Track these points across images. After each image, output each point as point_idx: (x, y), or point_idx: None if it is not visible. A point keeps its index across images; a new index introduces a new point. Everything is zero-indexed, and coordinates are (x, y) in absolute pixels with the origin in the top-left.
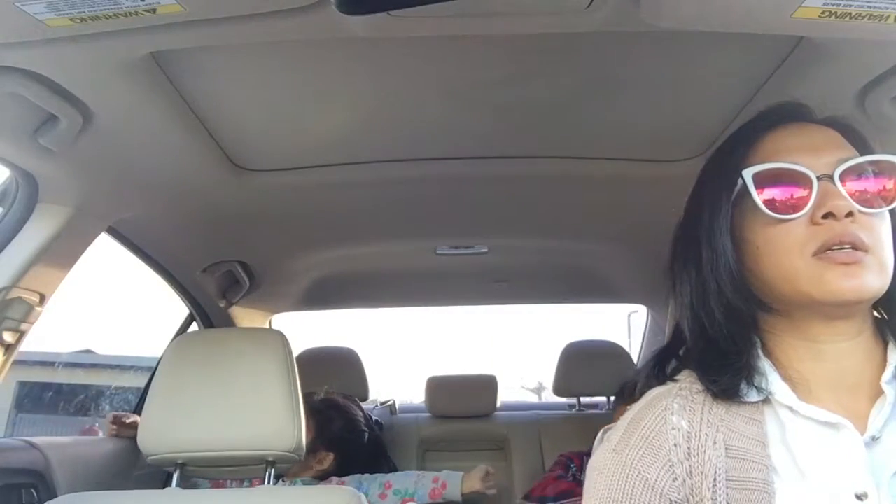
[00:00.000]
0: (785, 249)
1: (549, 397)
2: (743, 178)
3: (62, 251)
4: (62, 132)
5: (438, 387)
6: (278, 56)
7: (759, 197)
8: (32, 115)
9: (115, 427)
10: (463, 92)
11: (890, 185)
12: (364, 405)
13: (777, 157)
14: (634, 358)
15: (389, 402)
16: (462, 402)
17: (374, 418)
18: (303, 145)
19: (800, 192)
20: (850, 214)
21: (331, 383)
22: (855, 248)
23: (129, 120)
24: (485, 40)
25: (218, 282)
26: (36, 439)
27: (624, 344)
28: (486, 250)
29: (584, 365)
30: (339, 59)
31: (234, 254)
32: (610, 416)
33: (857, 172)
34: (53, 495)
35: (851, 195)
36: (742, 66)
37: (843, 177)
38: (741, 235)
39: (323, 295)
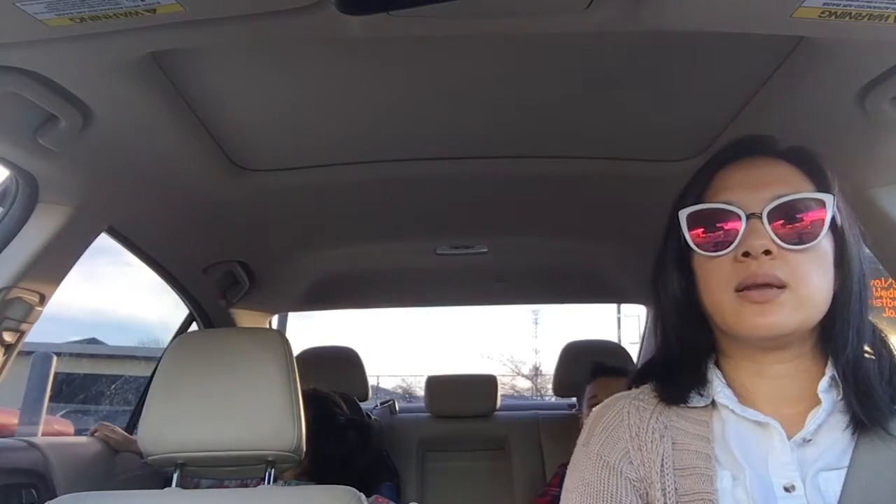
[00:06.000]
0: (715, 284)
1: (547, 383)
2: (678, 219)
3: (62, 251)
4: (62, 132)
5: (438, 387)
6: (278, 56)
7: (689, 236)
8: (32, 115)
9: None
10: (463, 92)
11: (815, 222)
12: (364, 405)
13: (717, 196)
14: (631, 351)
15: (389, 402)
16: (462, 402)
17: (372, 416)
18: (303, 145)
19: (729, 231)
20: (767, 252)
21: (331, 383)
22: (771, 285)
23: (129, 120)
24: (485, 40)
25: (218, 282)
26: (36, 439)
27: (613, 334)
28: (486, 250)
29: (583, 364)
30: (340, 59)
31: (234, 254)
32: None
33: (786, 210)
34: (53, 495)
35: (778, 232)
36: (742, 66)
37: (772, 214)
38: (691, 268)
39: (323, 295)
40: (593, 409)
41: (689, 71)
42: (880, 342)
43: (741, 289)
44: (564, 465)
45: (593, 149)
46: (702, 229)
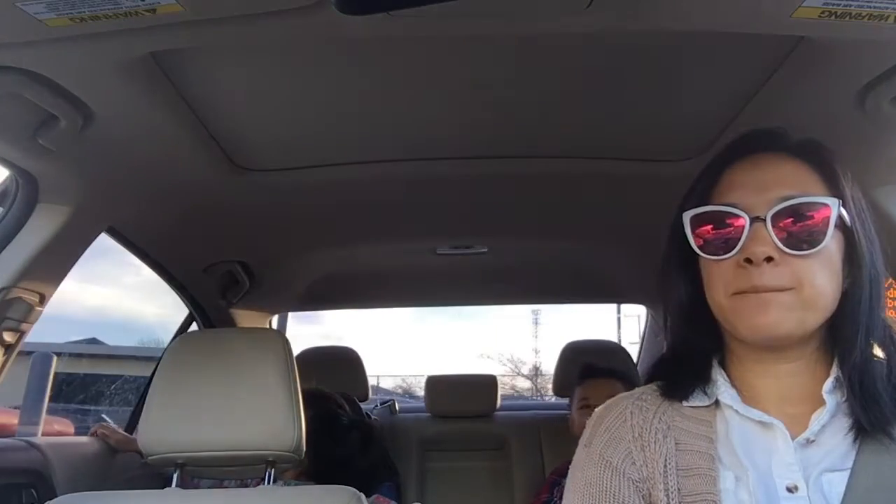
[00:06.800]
0: (717, 286)
1: (547, 383)
2: (682, 221)
3: (62, 251)
4: (62, 132)
5: (438, 387)
6: (278, 56)
7: (693, 238)
8: (32, 115)
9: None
10: (463, 92)
11: (821, 225)
12: (364, 405)
13: (721, 197)
14: (631, 351)
15: (389, 402)
16: (462, 402)
17: (372, 416)
18: (303, 145)
19: (732, 234)
20: (769, 259)
21: (331, 383)
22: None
23: (129, 120)
24: (484, 40)
25: (218, 282)
26: (36, 439)
27: (613, 334)
28: (485, 250)
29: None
30: (339, 58)
31: (234, 254)
32: None
33: (791, 212)
34: (53, 495)
35: (781, 236)
36: (742, 66)
37: (777, 217)
38: (697, 269)
39: (323, 295)
40: (595, 409)
41: (690, 71)
42: (891, 342)
43: (739, 293)
44: (555, 474)
45: (593, 149)
46: (705, 231)
